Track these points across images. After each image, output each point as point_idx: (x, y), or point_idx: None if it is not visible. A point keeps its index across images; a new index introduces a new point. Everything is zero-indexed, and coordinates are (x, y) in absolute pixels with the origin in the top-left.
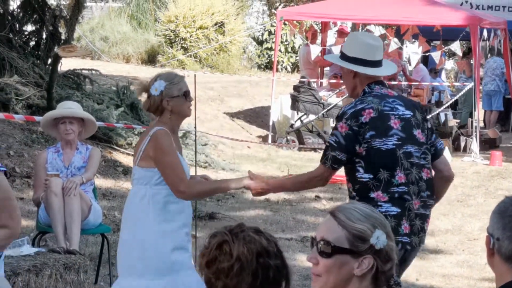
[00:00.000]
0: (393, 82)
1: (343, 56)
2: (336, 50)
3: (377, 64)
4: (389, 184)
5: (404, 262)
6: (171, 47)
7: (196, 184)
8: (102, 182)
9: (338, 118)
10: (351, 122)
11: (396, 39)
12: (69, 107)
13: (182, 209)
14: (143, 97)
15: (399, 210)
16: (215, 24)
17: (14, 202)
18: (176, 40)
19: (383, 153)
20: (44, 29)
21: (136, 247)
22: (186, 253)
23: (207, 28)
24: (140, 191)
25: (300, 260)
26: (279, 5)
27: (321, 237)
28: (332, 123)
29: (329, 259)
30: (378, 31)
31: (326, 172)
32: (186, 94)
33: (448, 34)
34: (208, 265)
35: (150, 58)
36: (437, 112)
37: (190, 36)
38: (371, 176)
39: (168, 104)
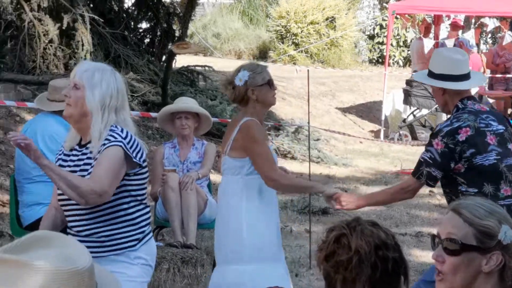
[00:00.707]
0: (508, 76)
1: (431, 74)
2: (450, 43)
3: (464, 77)
4: (495, 197)
5: None
6: (282, 42)
7: (287, 175)
8: (216, 178)
9: (433, 135)
10: (447, 140)
11: (511, 32)
12: (185, 103)
13: (271, 199)
14: (229, 90)
15: None
16: (326, 19)
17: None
18: (287, 35)
19: (487, 168)
20: (159, 26)
21: (230, 236)
22: (276, 243)
23: (318, 23)
24: (232, 181)
25: (415, 255)
26: None
27: (447, 235)
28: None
29: (457, 257)
30: (492, 23)
31: (416, 184)
32: (270, 83)
33: None
34: (327, 258)
35: (262, 54)
36: None
37: (301, 31)
38: (476, 190)
39: (253, 93)
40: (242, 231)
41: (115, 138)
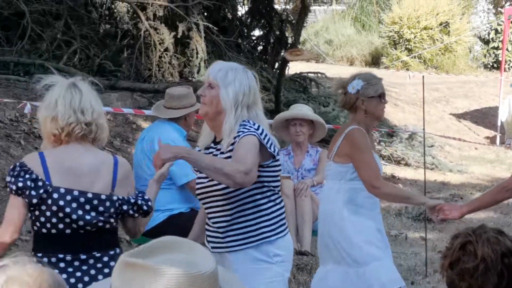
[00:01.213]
0: None
1: None
2: None
3: None
4: None
5: None
6: (395, 48)
7: (389, 184)
8: None
9: None
10: None
11: None
12: (300, 109)
13: (374, 205)
14: (339, 93)
15: None
16: (440, 24)
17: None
18: (400, 41)
19: None
20: (271, 33)
21: (331, 239)
22: (379, 249)
23: (431, 29)
24: (335, 185)
25: None
26: (506, 3)
27: None
28: None
29: None
30: None
31: None
32: (381, 96)
33: None
34: (452, 265)
35: (374, 60)
36: None
37: (415, 37)
38: None
39: (362, 103)
40: (339, 235)
41: (248, 129)
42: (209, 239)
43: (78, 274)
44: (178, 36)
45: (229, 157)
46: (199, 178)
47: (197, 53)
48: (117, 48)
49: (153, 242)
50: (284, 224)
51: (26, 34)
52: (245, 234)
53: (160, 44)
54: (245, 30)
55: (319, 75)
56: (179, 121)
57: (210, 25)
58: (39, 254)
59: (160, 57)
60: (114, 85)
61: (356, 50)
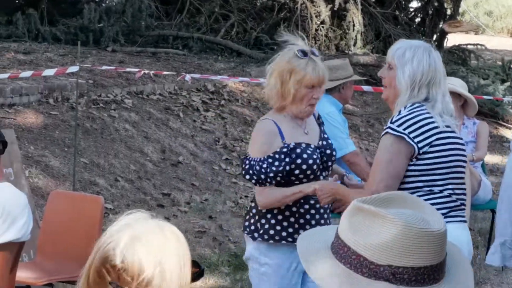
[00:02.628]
0: None
1: None
2: None
3: None
4: None
5: None
6: None
7: None
8: (488, 158)
9: None
10: None
11: None
12: (451, 83)
13: None
14: None
15: None
16: None
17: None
18: None
19: None
20: (430, 5)
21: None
22: None
23: None
24: None
25: None
26: None
27: None
28: None
29: None
30: None
31: None
32: None
33: None
34: None
35: None
36: None
37: None
38: None
39: None
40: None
41: (392, 123)
42: None
43: None
44: (335, 9)
45: None
46: None
47: (353, 25)
48: (273, 21)
49: (386, 194)
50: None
51: (185, 8)
52: None
53: (316, 16)
54: (403, 2)
55: (478, 47)
56: (334, 93)
57: None
58: None
59: (316, 29)
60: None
61: None
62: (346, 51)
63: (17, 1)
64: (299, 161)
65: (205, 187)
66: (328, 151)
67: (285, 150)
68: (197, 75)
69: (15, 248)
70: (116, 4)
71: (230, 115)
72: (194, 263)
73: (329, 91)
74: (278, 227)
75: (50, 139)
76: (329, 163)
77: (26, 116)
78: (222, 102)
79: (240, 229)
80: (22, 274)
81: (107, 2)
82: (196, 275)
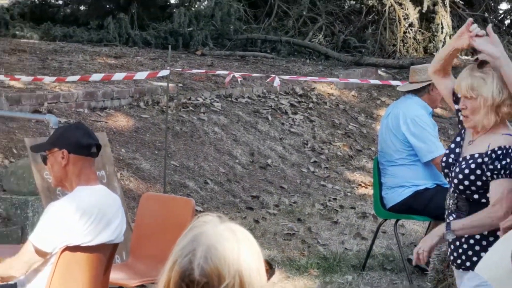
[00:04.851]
0: None
1: None
2: None
3: None
4: None
5: None
6: None
7: None
8: None
9: None
10: None
11: None
12: None
13: None
14: None
15: None
16: None
17: None
18: None
19: None
20: None
21: None
22: None
23: None
24: None
25: None
26: None
27: None
28: None
29: None
30: None
31: None
32: None
33: None
34: None
35: None
36: None
37: None
38: None
39: None
40: None
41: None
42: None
43: None
44: (423, 11)
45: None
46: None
47: (442, 27)
48: (361, 24)
49: None
50: None
51: (273, 12)
52: None
53: (404, 19)
54: (492, 4)
55: None
56: (423, 95)
57: None
58: None
59: (404, 32)
60: (358, 61)
61: None
62: (435, 54)
63: (108, 6)
64: None
65: (294, 190)
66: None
67: None
68: (286, 77)
69: (109, 250)
70: (206, 8)
71: (318, 118)
72: (265, 262)
73: (417, 92)
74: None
75: (141, 142)
76: None
77: (117, 119)
78: (310, 105)
79: (329, 231)
80: (115, 276)
81: (196, 6)
82: (269, 274)
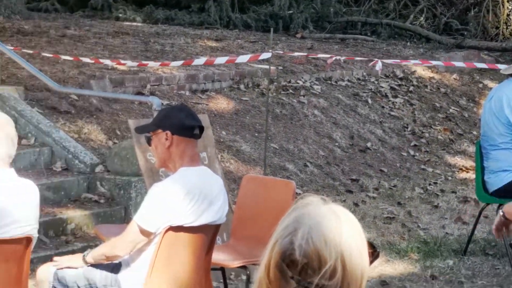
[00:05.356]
0: None
1: None
2: None
3: None
4: None
5: None
6: None
7: None
8: None
9: None
10: None
11: None
12: None
13: None
14: None
15: None
16: None
17: None
18: None
19: None
20: None
21: None
22: None
23: None
24: None
25: None
26: None
27: None
28: None
29: None
30: None
31: None
32: None
33: None
34: None
35: None
36: None
37: None
38: None
39: None
40: None
41: None
42: None
43: None
44: None
45: None
46: None
47: None
48: (463, 6)
49: None
50: None
51: None
52: None
53: (508, 1)
54: None
55: None
56: None
57: None
58: None
59: (508, 14)
60: (460, 44)
61: None
62: None
63: None
64: None
65: (394, 173)
66: None
67: None
68: (389, 61)
69: (211, 231)
70: None
71: (418, 102)
72: (369, 244)
73: None
74: None
75: (241, 125)
76: None
77: (218, 101)
78: (411, 88)
79: (430, 215)
80: (217, 256)
81: None
82: (373, 257)
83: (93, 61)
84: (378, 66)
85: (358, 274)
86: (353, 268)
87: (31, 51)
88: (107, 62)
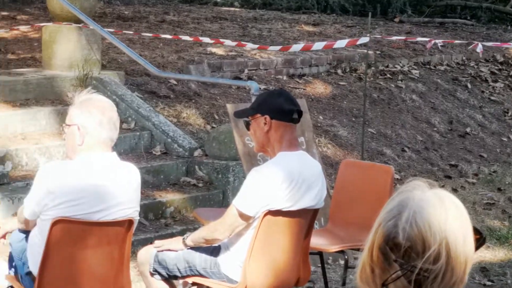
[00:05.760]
0: None
1: None
2: None
3: None
4: None
5: None
6: None
7: None
8: None
9: None
10: None
11: None
12: None
13: None
14: None
15: None
16: None
17: None
18: None
19: None
20: None
21: None
22: None
23: None
24: None
25: None
26: None
27: None
28: None
29: None
30: None
31: None
32: None
33: None
34: None
35: None
36: None
37: None
38: None
39: None
40: None
41: None
42: None
43: None
44: None
45: None
46: None
47: None
48: None
49: None
50: None
51: None
52: None
53: None
54: None
55: None
56: None
57: None
58: None
59: None
60: None
61: None
62: None
63: None
64: None
65: (494, 159)
66: None
67: None
68: (489, 43)
69: (310, 215)
70: None
71: None
72: (475, 230)
73: None
74: None
75: (338, 109)
76: None
77: (315, 86)
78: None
79: None
80: (315, 241)
81: None
82: (479, 243)
83: (191, 39)
84: (479, 48)
85: (462, 260)
86: (457, 253)
87: (132, 35)
88: (207, 40)
